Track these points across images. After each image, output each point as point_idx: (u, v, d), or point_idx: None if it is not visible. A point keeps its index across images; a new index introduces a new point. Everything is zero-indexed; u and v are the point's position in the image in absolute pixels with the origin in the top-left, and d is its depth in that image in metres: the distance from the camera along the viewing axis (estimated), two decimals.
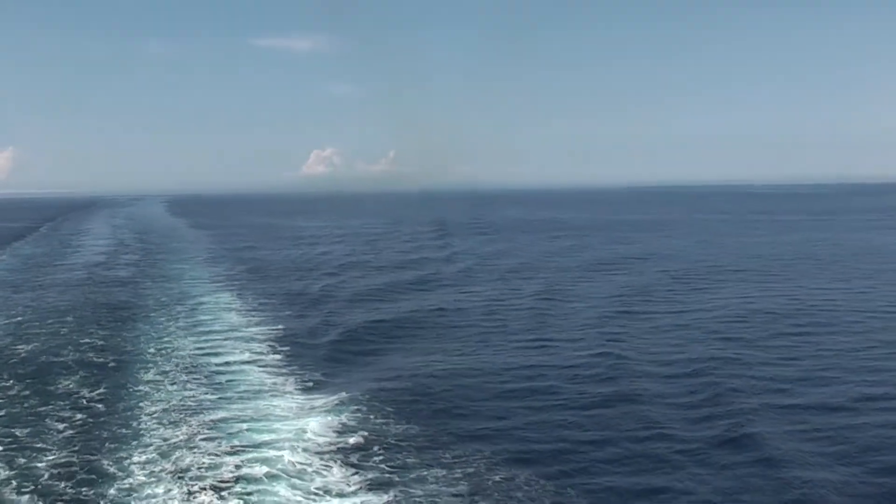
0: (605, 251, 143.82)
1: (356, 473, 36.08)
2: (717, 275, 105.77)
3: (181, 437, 41.23)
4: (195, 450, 39.05)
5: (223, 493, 34.07)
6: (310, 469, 36.65)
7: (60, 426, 44.79)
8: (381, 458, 38.45)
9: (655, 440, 41.52)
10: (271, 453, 38.62)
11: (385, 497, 33.59)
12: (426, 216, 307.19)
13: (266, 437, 41.18)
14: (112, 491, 35.37)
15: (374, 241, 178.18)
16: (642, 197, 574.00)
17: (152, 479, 36.19)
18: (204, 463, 37.20)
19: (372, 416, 44.73)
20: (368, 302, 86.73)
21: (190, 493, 34.07)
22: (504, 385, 52.30)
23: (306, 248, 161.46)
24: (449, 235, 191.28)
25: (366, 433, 41.66)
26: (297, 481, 35.39)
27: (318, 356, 60.50)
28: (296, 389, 50.77)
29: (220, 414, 45.40)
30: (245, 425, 43.95)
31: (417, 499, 33.79)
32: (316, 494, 34.16)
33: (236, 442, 40.56)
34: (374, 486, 34.87)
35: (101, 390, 51.57)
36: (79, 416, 46.63)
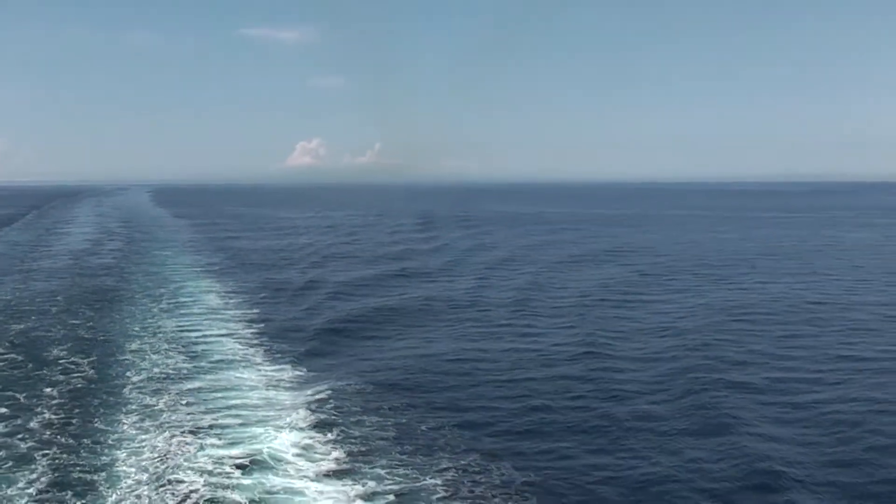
0: (582, 245, 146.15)
1: (338, 463, 36.90)
2: (686, 270, 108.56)
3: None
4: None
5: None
6: (289, 457, 37.51)
7: (53, 391, 48.83)
8: (360, 446, 38.94)
9: (632, 423, 43.01)
10: (253, 445, 39.19)
11: (364, 485, 34.26)
12: (411, 209, 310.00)
13: (246, 426, 41.98)
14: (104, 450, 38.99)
15: (359, 233, 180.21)
16: (630, 193, 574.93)
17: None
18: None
19: (354, 405, 45.23)
20: (351, 292, 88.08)
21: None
22: (485, 373, 53.51)
23: (290, 239, 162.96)
24: (434, 228, 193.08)
25: (348, 422, 42.34)
26: (279, 469, 36.28)
27: (301, 345, 60.98)
28: (277, 379, 51.38)
29: (204, 406, 45.75)
30: (219, 394, 47.51)
31: (395, 487, 34.29)
32: (293, 484, 34.80)
33: (217, 436, 40.57)
34: (354, 475, 35.56)
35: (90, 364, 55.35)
36: (70, 382, 50.91)
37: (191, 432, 40.67)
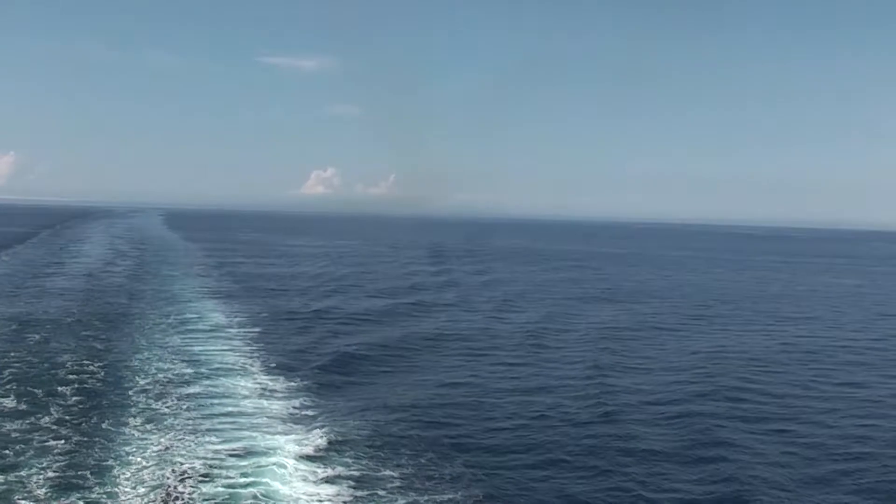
0: (591, 284, 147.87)
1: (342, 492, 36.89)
2: (691, 312, 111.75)
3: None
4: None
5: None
6: (290, 479, 37.98)
7: (66, 391, 52.63)
8: (369, 482, 38.47)
9: (639, 464, 43.42)
10: (258, 463, 39.93)
11: None
12: (422, 241, 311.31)
13: (248, 445, 42.56)
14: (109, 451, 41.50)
15: (369, 264, 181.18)
16: (639, 232, 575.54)
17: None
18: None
19: (358, 436, 45.14)
20: (360, 323, 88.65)
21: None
22: (490, 407, 53.91)
23: (301, 267, 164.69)
24: (444, 261, 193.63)
25: (352, 452, 42.38)
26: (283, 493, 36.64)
27: (307, 375, 60.80)
28: (283, 408, 51.04)
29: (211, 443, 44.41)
30: (219, 410, 49.22)
31: None
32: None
33: (223, 469, 39.85)
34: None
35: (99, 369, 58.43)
36: (80, 387, 54.12)
37: (187, 457, 41.06)
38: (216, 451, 40.46)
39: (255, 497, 36.07)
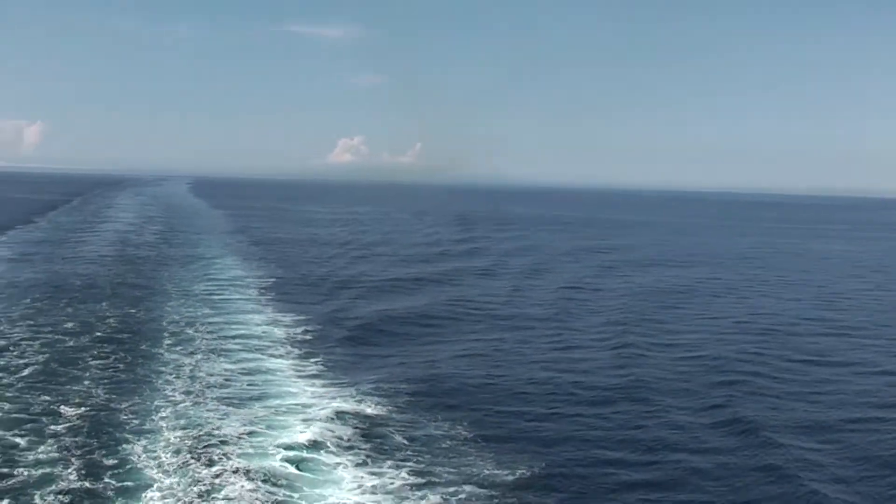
0: (622, 252, 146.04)
1: (366, 462, 36.72)
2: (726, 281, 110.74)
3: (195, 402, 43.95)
4: (210, 426, 40.00)
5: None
6: (323, 466, 36.70)
7: (94, 363, 51.52)
8: (390, 446, 38.82)
9: (666, 435, 42.58)
10: (285, 437, 39.62)
11: (392, 484, 34.20)
12: (450, 209, 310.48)
13: (280, 419, 41.98)
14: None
15: (396, 231, 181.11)
16: (667, 201, 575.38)
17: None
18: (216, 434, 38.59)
19: (387, 406, 44.72)
20: (387, 291, 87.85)
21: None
22: (516, 378, 52.60)
23: (327, 235, 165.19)
24: (473, 229, 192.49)
25: (379, 422, 42.18)
26: (309, 463, 36.44)
27: (335, 344, 60.54)
28: (311, 375, 51.20)
29: (234, 391, 46.83)
30: (249, 381, 48.55)
31: (424, 488, 34.08)
32: (326, 479, 35.04)
33: (249, 422, 41.17)
34: (383, 475, 35.38)
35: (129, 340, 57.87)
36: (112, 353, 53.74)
37: (219, 420, 41.35)
38: (249, 451, 38.05)
39: (287, 471, 35.46)
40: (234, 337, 60.47)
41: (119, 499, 31.64)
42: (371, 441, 39.18)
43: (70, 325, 61.97)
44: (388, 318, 71.27)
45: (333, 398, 45.63)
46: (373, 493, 33.41)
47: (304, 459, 36.55)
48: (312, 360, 54.76)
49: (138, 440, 37.66)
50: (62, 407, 41.95)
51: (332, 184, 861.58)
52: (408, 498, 33.02)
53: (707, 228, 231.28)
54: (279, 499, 32.43)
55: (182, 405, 43.07)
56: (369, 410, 43.67)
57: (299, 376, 50.47)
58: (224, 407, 43.16)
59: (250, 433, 39.21)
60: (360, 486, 33.90)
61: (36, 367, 49.63)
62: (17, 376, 47.43)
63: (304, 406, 44.06)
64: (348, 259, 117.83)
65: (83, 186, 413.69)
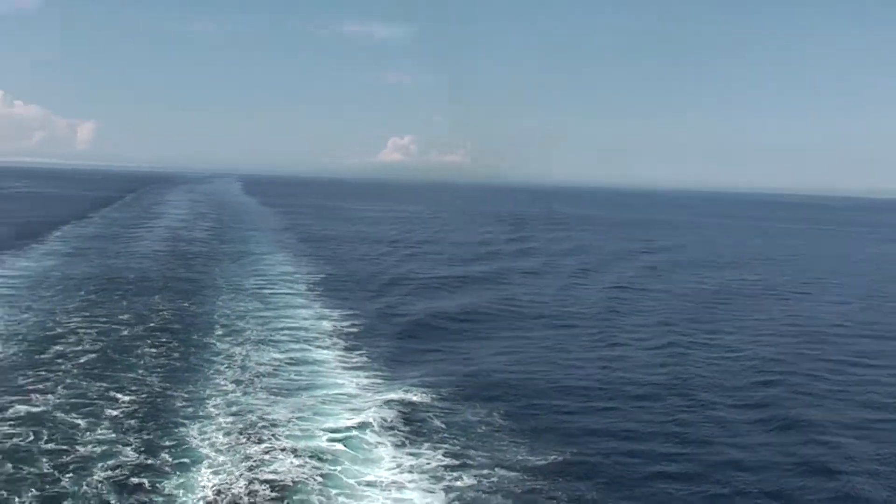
0: (672, 252, 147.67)
1: (405, 444, 38.32)
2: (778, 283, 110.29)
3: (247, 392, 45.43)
4: (259, 412, 41.89)
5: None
6: (365, 446, 38.15)
7: (148, 351, 53.60)
8: (429, 429, 40.46)
9: (704, 430, 43.21)
10: (330, 422, 41.11)
11: (437, 482, 34.54)
12: (499, 209, 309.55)
13: (328, 409, 43.00)
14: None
15: (447, 230, 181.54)
16: (720, 202, 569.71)
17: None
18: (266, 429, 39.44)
19: (429, 395, 45.98)
20: (437, 289, 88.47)
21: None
22: (567, 378, 52.81)
23: (377, 233, 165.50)
24: (523, 229, 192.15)
25: (420, 409, 43.59)
26: (352, 443, 38.08)
27: (383, 340, 60.97)
28: (357, 367, 52.26)
29: (283, 380, 48.45)
30: (297, 373, 49.71)
31: (469, 485, 34.44)
32: (367, 457, 36.67)
33: (297, 409, 42.84)
34: (421, 456, 36.93)
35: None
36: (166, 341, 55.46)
37: (268, 407, 42.98)
38: (297, 433, 39.76)
39: (332, 449, 37.39)
40: (282, 329, 62.00)
41: (175, 473, 33.52)
42: (411, 425, 40.86)
43: (124, 316, 64.01)
44: (436, 314, 72.13)
45: (378, 389, 47.00)
46: (410, 472, 35.12)
47: (347, 439, 38.37)
48: (358, 352, 55.89)
49: (192, 424, 39.36)
50: (118, 393, 43.73)
51: (382, 182, 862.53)
52: (443, 478, 34.55)
53: (753, 230, 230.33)
54: (324, 472, 34.40)
55: (233, 394, 44.64)
56: (412, 398, 45.13)
57: (345, 367, 51.82)
58: (272, 396, 44.70)
59: (298, 418, 40.97)
60: (398, 466, 35.71)
61: (92, 355, 51.54)
62: (74, 363, 49.43)
63: (350, 395, 45.48)
64: (398, 257, 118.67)
65: (135, 183, 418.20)
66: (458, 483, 34.30)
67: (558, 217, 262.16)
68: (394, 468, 35.50)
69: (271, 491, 32.52)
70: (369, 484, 33.83)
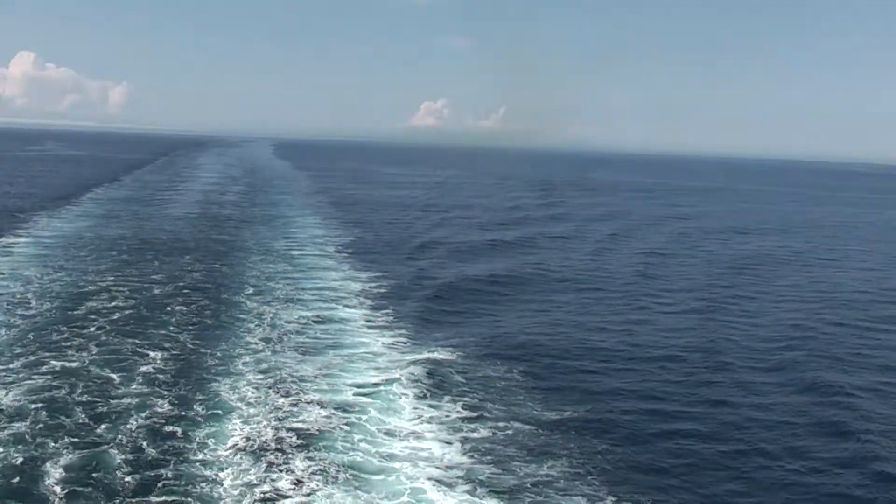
0: (705, 220, 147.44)
1: (426, 396, 39.80)
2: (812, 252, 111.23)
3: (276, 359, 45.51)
4: (288, 369, 43.15)
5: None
6: (389, 399, 39.48)
7: (179, 309, 55.21)
8: (450, 384, 41.80)
9: (728, 392, 43.58)
10: (357, 378, 42.41)
11: (455, 433, 35.64)
12: (533, 174, 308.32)
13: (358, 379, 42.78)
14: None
15: (480, 196, 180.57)
16: (758, 169, 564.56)
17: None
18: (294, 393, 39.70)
19: (452, 353, 47.10)
20: (467, 254, 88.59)
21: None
22: (585, 338, 53.55)
23: (409, 199, 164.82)
24: (555, 195, 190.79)
25: (444, 365, 44.81)
26: (376, 396, 39.70)
27: (413, 303, 61.24)
28: (383, 326, 53.10)
29: (309, 339, 49.72)
30: (332, 352, 48.13)
31: (485, 437, 35.43)
32: (390, 407, 38.14)
33: (324, 366, 44.07)
34: (440, 408, 38.33)
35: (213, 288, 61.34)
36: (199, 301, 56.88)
37: (296, 364, 44.21)
38: (323, 387, 41.00)
39: (357, 401, 38.99)
40: (311, 289, 63.48)
41: (207, 423, 35.01)
42: (433, 379, 42.27)
43: (156, 276, 65.66)
44: (464, 278, 72.70)
45: (404, 349, 48.13)
46: (429, 422, 36.62)
47: (372, 393, 39.96)
48: (385, 312, 57.02)
49: (223, 379, 40.72)
50: (150, 350, 45.12)
51: (415, 147, 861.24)
52: (460, 430, 35.91)
53: (788, 196, 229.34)
54: (351, 421, 36.05)
55: (262, 352, 45.81)
56: (436, 356, 46.36)
57: (372, 327, 52.92)
58: (300, 354, 45.94)
59: (325, 375, 42.34)
60: (419, 417, 37.22)
61: (126, 311, 53.12)
62: (107, 319, 51.07)
63: (376, 354, 46.72)
64: (429, 222, 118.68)
65: (167, 147, 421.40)
66: (475, 434, 35.53)
67: (592, 183, 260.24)
68: (415, 419, 36.96)
69: (297, 438, 33.86)
70: (388, 433, 35.23)
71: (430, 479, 31.23)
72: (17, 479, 29.48)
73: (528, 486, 31.39)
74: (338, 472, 31.35)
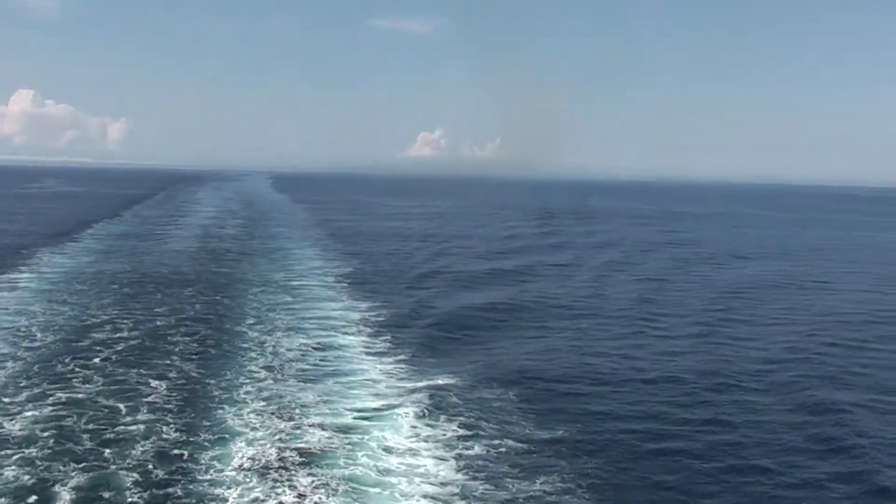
0: (705, 245, 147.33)
1: (430, 426, 40.19)
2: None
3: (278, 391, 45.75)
4: (290, 396, 44.14)
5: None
6: (388, 422, 40.61)
7: (182, 340, 56.20)
8: (447, 405, 43.12)
9: (728, 413, 44.15)
10: (357, 403, 43.63)
11: (450, 450, 36.97)
12: (530, 203, 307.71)
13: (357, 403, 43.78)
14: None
15: (478, 226, 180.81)
16: (755, 194, 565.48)
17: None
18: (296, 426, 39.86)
19: (450, 378, 48.08)
20: (466, 284, 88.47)
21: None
22: (581, 363, 54.20)
23: (407, 229, 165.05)
24: (553, 223, 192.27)
25: (441, 388, 46.10)
26: (374, 417, 41.28)
27: (415, 336, 60.72)
28: (391, 365, 52.07)
29: (309, 366, 50.75)
30: (331, 379, 48.69)
31: (479, 454, 36.61)
32: (391, 452, 37.14)
33: (324, 393, 45.08)
34: (437, 427, 39.79)
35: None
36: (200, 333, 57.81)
37: (298, 392, 45.08)
38: (325, 412, 42.11)
39: (357, 424, 40.36)
40: (311, 319, 64.40)
41: (213, 446, 36.31)
42: (431, 400, 43.69)
43: (158, 308, 66.40)
44: (464, 307, 73.04)
45: (403, 376, 49.10)
46: (426, 441, 38.11)
47: (372, 416, 41.34)
48: (384, 340, 58.04)
49: (227, 407, 41.63)
50: (155, 380, 45.89)
51: (412, 177, 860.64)
52: (456, 447, 37.45)
53: (784, 221, 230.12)
54: (352, 441, 37.66)
55: (265, 381, 46.63)
56: (436, 382, 47.33)
57: (372, 355, 53.99)
58: (302, 382, 46.79)
59: (326, 401, 43.37)
60: (416, 435, 38.77)
61: (129, 343, 54.09)
62: (112, 350, 52.01)
63: (375, 381, 47.64)
64: (428, 252, 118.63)
65: (166, 181, 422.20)
66: (469, 452, 36.99)
67: (589, 210, 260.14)
68: (412, 437, 38.50)
69: (300, 457, 35.34)
70: (386, 450, 36.82)
71: (425, 496, 32.48)
72: (30, 500, 30.81)
73: (521, 501, 32.52)
74: (338, 485, 32.86)
